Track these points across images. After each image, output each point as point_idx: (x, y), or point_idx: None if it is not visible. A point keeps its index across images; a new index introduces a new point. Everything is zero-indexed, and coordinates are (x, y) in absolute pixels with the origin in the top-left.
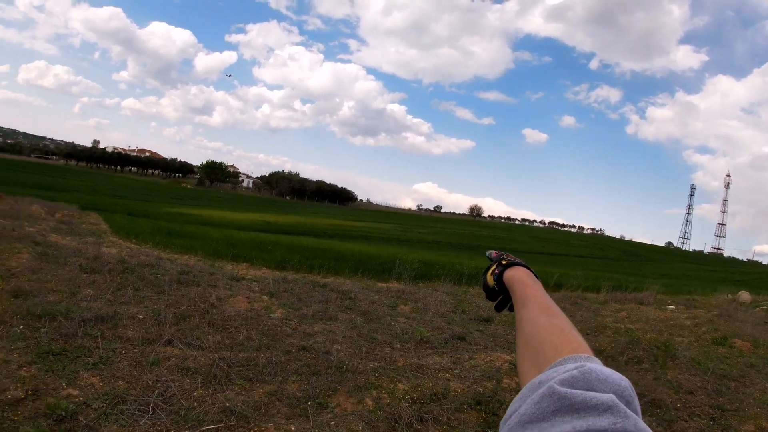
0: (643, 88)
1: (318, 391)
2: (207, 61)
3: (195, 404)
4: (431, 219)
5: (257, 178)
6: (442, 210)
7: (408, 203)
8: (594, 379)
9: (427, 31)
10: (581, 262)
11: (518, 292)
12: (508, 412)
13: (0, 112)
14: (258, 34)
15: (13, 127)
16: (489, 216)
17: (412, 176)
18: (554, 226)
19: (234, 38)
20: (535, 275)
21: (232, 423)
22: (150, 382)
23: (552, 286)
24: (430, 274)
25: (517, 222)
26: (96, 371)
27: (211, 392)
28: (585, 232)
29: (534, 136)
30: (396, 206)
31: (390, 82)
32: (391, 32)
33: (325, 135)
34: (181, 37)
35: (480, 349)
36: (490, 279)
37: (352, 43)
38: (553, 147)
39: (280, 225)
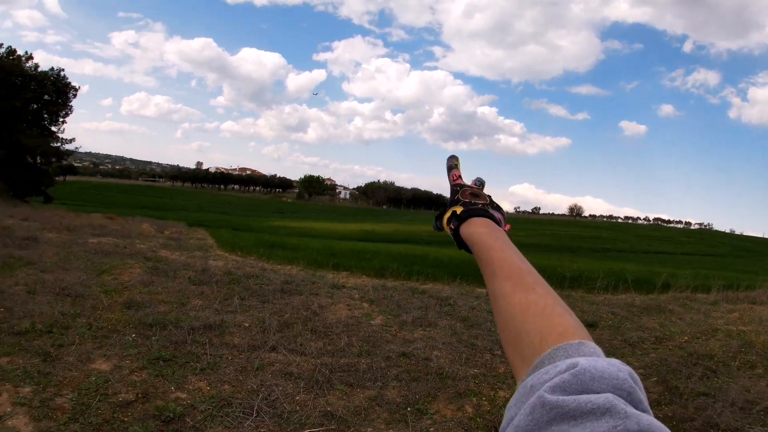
0: (742, 68)
1: (417, 397)
2: (298, 80)
3: (297, 408)
4: (529, 221)
5: (353, 189)
6: (541, 211)
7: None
8: (588, 379)
9: (511, 30)
10: (689, 260)
11: (483, 259)
12: (505, 419)
13: (108, 141)
14: (344, 51)
15: (121, 154)
16: (590, 215)
17: (508, 178)
18: (659, 222)
19: (321, 56)
20: (503, 218)
21: (333, 427)
22: (255, 387)
23: (659, 286)
24: None
25: (619, 220)
26: (203, 376)
27: (313, 397)
28: (692, 227)
29: (632, 128)
30: None
31: (478, 84)
32: (474, 34)
33: (418, 143)
34: (271, 60)
35: None
36: (446, 229)
37: (437, 50)
38: (652, 138)
39: (377, 234)
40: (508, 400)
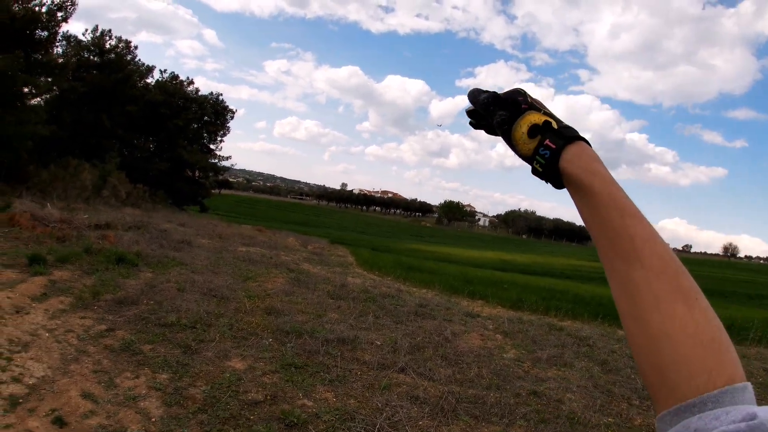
0: None
1: None
2: (440, 106)
3: None
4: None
5: (493, 216)
6: (692, 250)
7: None
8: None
9: (660, 49)
10: None
11: (610, 225)
12: None
13: (261, 160)
14: (487, 76)
15: (272, 173)
16: (746, 256)
17: (658, 211)
18: None
19: (464, 82)
20: None
21: None
22: (379, 405)
23: None
24: None
25: None
26: (331, 387)
27: (436, 424)
28: None
29: None
30: None
31: (627, 109)
32: (621, 56)
33: None
34: (415, 86)
35: None
36: (525, 146)
37: (582, 74)
38: None
39: (515, 263)
40: None
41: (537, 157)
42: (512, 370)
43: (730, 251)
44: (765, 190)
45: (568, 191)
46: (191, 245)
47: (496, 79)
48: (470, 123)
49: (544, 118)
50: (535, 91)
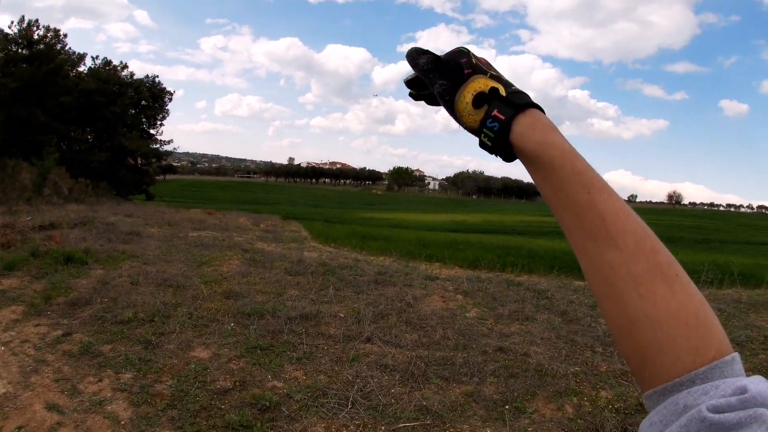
0: None
1: (515, 394)
2: (383, 73)
3: (392, 401)
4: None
5: (442, 179)
6: (638, 199)
7: None
8: (753, 405)
9: (599, 7)
10: None
11: (577, 201)
12: None
13: (204, 140)
14: (428, 39)
15: (217, 153)
16: (690, 203)
17: (603, 164)
18: (765, 211)
19: (406, 47)
20: None
21: (428, 422)
22: (350, 378)
23: (766, 282)
24: None
25: (721, 208)
26: (300, 365)
27: (408, 390)
28: None
29: (733, 107)
30: None
31: (568, 67)
32: (561, 14)
33: None
34: (357, 54)
35: None
36: (470, 118)
37: (523, 33)
38: (755, 118)
39: (468, 224)
40: (610, 400)
41: (485, 129)
42: (476, 328)
43: (674, 199)
44: (705, 139)
45: (523, 165)
46: (140, 236)
47: (437, 42)
48: (410, 94)
49: (490, 84)
50: (477, 53)
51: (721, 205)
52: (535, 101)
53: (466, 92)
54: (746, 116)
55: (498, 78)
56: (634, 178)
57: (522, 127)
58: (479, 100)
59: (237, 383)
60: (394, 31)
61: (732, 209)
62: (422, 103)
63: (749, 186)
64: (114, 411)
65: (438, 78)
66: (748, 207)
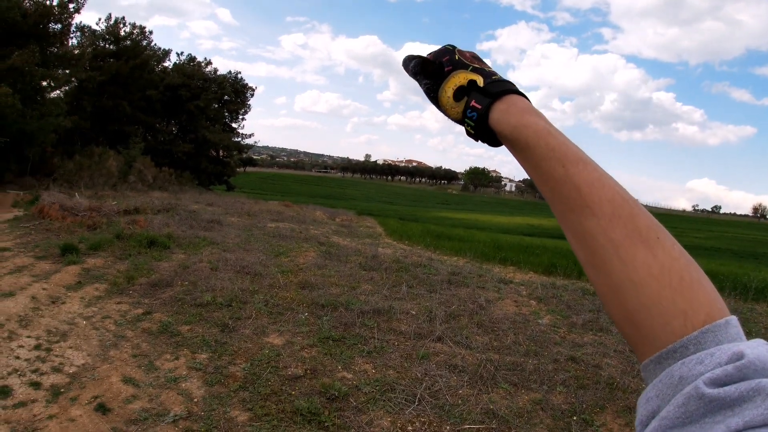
0: None
1: (584, 406)
2: None
3: (459, 402)
4: (708, 221)
5: (519, 181)
6: (721, 210)
7: (682, 203)
8: (752, 372)
9: (684, 4)
10: None
11: (555, 177)
12: (641, 413)
13: (283, 135)
14: (508, 38)
15: (295, 147)
16: None
17: (686, 172)
18: None
19: (485, 45)
20: None
21: (494, 426)
22: (419, 375)
23: None
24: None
25: None
26: (370, 359)
27: (476, 392)
28: None
29: None
30: (668, 207)
31: (652, 67)
32: (645, 12)
33: (588, 132)
34: None
35: None
36: (453, 111)
37: (606, 32)
38: None
39: (544, 228)
40: None
41: (466, 119)
42: (548, 336)
43: (760, 212)
44: None
45: (508, 149)
46: (221, 224)
47: (517, 41)
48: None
49: (469, 76)
50: (557, 52)
51: None
52: (518, 88)
53: (447, 87)
54: None
55: (479, 70)
56: (719, 188)
57: (498, 112)
58: (460, 93)
59: (308, 371)
60: (473, 28)
61: None
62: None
63: None
64: (188, 388)
65: (423, 78)
66: None
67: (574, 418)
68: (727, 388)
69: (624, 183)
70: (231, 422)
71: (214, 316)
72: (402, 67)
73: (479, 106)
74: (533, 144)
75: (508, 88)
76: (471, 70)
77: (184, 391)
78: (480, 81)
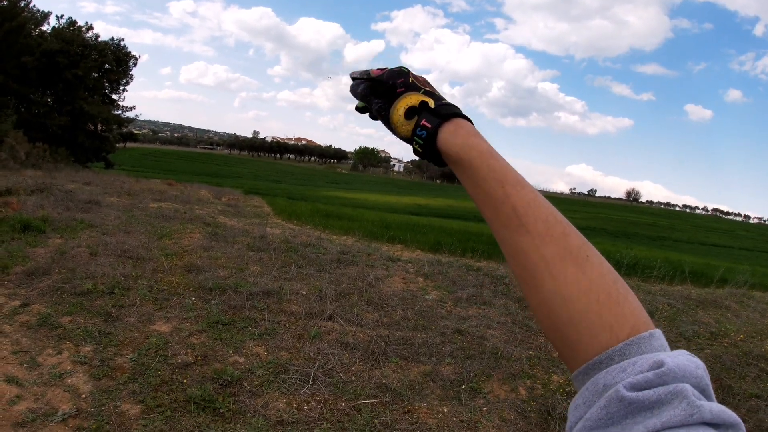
0: None
1: (472, 375)
2: (356, 51)
3: (353, 378)
4: (585, 203)
5: (408, 162)
6: (597, 194)
7: (560, 186)
8: (671, 379)
9: (576, 2)
10: (748, 256)
11: (494, 196)
12: (571, 419)
13: (167, 108)
14: (404, 20)
15: (180, 122)
16: (647, 201)
17: (565, 158)
18: (718, 213)
19: (380, 26)
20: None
21: (387, 399)
22: (311, 355)
23: (716, 280)
24: None
25: (677, 208)
26: (261, 341)
27: (368, 368)
28: (751, 221)
29: (697, 112)
30: (548, 189)
31: (540, 59)
32: (538, 6)
33: (475, 117)
34: (330, 30)
35: None
36: (403, 128)
37: (499, 22)
38: (718, 125)
39: (431, 208)
40: (561, 384)
41: (415, 137)
42: (435, 310)
43: (632, 195)
44: (668, 141)
45: (451, 168)
46: (100, 205)
47: (413, 24)
48: (356, 108)
49: (421, 98)
50: (451, 38)
51: (677, 205)
52: (463, 112)
53: (399, 106)
54: (709, 122)
55: (430, 93)
56: (595, 174)
57: (446, 133)
58: (411, 112)
59: (198, 358)
60: (370, 8)
61: (688, 210)
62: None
63: (706, 189)
64: (74, 384)
65: (374, 98)
66: (703, 209)
67: (463, 387)
68: (646, 392)
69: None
70: (123, 416)
71: (96, 304)
72: (350, 92)
73: (429, 126)
74: (477, 165)
75: (456, 112)
76: (423, 93)
77: (71, 387)
78: (431, 103)
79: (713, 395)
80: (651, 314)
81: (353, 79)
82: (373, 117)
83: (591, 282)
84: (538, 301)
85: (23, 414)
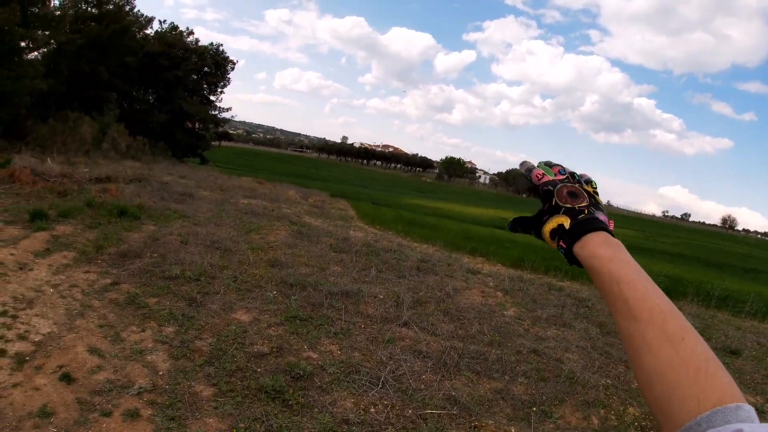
0: None
1: (544, 398)
2: (446, 60)
3: (422, 387)
4: (677, 228)
5: (494, 174)
6: (690, 219)
7: (652, 208)
8: None
9: (675, 14)
10: None
11: (611, 293)
12: None
13: (260, 111)
14: (495, 31)
15: (272, 125)
16: (743, 229)
17: (659, 178)
18: None
19: (472, 36)
20: (605, 216)
21: (455, 412)
22: (383, 358)
23: None
24: (675, 291)
25: None
26: (336, 340)
27: (439, 378)
28: None
29: None
30: (638, 211)
31: (636, 73)
32: (635, 18)
33: (566, 131)
34: (421, 39)
35: None
36: (552, 244)
37: (594, 34)
38: None
39: None
40: (637, 418)
41: (559, 251)
42: (513, 327)
43: (728, 223)
44: None
45: (588, 271)
46: (193, 197)
47: (505, 34)
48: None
49: (560, 221)
50: (543, 49)
51: None
52: (600, 223)
53: (545, 231)
54: None
55: (569, 211)
56: (691, 197)
57: (577, 248)
58: (553, 233)
59: (274, 349)
60: (461, 18)
61: None
62: (482, 93)
63: None
64: (153, 361)
65: (530, 230)
66: None
67: (534, 409)
68: None
69: (599, 183)
70: (195, 397)
71: (182, 289)
72: (521, 170)
73: (564, 246)
74: (599, 270)
75: (588, 228)
76: (563, 212)
77: (150, 363)
78: (567, 223)
79: None
80: (739, 351)
81: (523, 170)
82: (528, 229)
83: (683, 359)
84: (641, 376)
85: (101, 383)
